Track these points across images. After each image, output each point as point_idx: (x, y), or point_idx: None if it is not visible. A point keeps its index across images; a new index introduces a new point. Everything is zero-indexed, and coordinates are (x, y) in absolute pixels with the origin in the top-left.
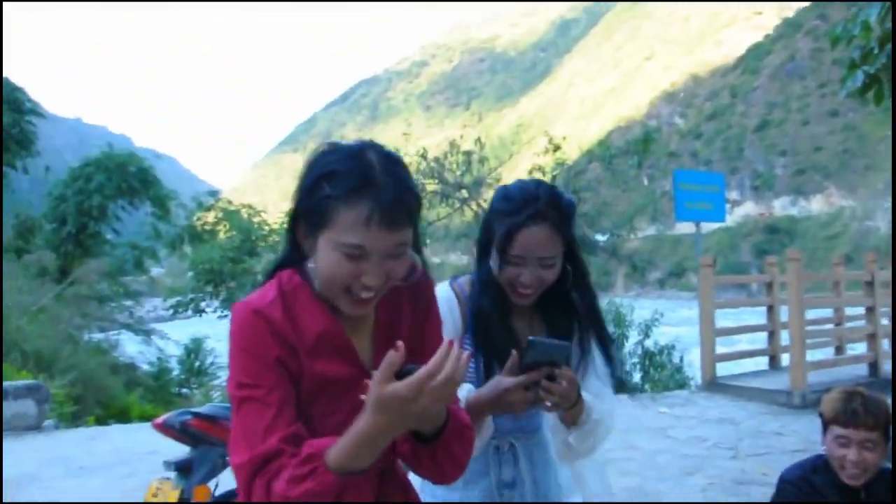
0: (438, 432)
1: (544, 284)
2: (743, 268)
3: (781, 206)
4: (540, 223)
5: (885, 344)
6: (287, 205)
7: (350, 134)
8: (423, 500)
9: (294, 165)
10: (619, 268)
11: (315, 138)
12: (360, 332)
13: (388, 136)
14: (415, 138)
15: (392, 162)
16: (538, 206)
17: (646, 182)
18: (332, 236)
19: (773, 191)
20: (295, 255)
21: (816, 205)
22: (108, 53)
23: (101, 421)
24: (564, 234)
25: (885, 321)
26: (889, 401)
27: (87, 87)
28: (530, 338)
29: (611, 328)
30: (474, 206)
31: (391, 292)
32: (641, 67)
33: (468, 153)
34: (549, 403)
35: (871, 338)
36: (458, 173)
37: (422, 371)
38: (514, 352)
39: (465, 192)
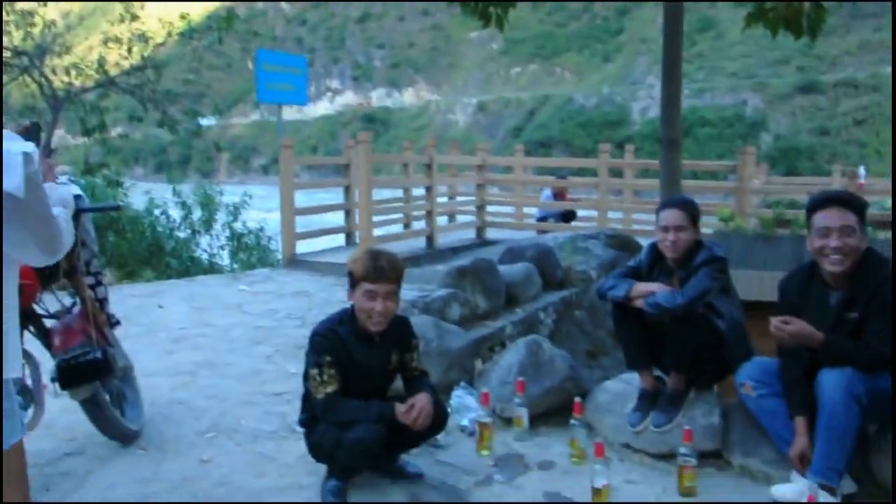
0: None
1: None
2: (341, 154)
3: (378, 97)
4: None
5: (440, 220)
6: None
7: None
8: None
9: None
10: (222, 154)
11: None
12: None
13: None
14: None
15: None
16: None
17: (251, 66)
18: None
19: (372, 82)
20: None
21: (408, 97)
22: None
23: None
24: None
25: (442, 199)
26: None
27: None
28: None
29: (198, 212)
30: (37, 77)
31: None
32: None
33: (28, 14)
34: None
35: (429, 215)
36: (19, 38)
37: None
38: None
39: (25, 60)
